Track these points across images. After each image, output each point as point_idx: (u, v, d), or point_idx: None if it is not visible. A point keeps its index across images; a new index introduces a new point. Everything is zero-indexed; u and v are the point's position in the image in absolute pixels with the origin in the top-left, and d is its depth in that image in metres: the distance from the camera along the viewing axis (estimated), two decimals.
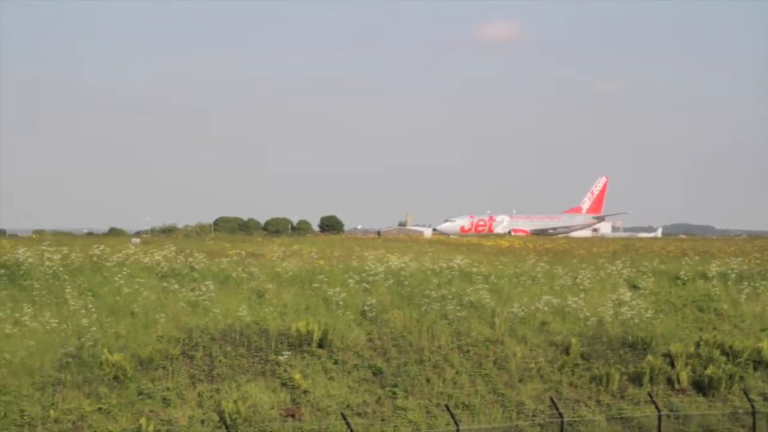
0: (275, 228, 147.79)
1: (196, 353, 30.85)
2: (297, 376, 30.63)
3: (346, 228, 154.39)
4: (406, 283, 37.40)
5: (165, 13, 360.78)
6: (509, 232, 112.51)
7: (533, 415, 31.37)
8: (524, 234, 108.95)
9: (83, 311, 31.41)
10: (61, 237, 54.45)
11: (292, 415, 29.40)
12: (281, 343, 32.03)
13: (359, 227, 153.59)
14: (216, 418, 28.41)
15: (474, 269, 40.35)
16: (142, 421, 27.44)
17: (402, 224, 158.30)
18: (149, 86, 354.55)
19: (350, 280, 36.85)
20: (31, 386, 27.98)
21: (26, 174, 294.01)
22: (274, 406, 29.52)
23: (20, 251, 36.48)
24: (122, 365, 28.99)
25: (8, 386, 27.74)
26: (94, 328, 30.53)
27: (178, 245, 42.78)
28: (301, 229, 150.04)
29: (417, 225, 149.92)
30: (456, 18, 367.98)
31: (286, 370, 30.90)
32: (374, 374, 31.88)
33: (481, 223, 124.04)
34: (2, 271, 34.38)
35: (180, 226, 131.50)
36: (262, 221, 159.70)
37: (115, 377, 28.84)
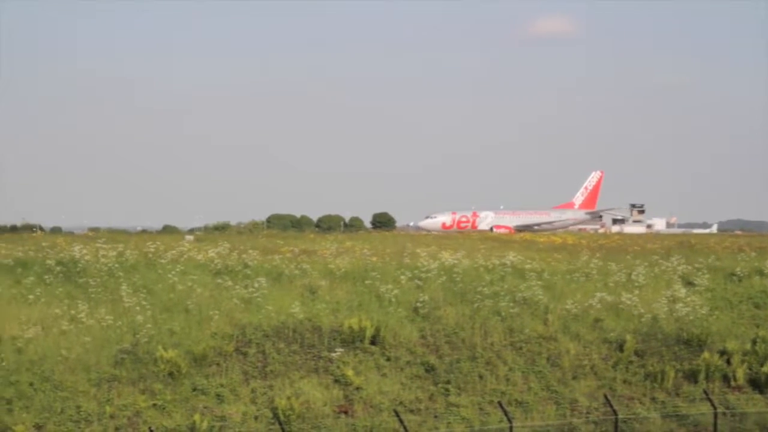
0: (328, 225, 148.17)
1: (250, 350, 31.01)
2: (350, 372, 30.67)
3: (398, 225, 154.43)
4: (459, 279, 37.31)
5: (232, 10, 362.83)
6: (491, 229, 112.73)
7: (587, 413, 31.15)
8: (507, 230, 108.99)
9: (138, 308, 31.70)
10: (115, 234, 55.13)
11: (345, 412, 29.44)
12: (334, 339, 32.10)
13: (411, 224, 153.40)
14: (269, 414, 28.52)
15: (527, 266, 40.18)
16: (197, 417, 27.62)
17: None
18: (205, 85, 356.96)
19: (402, 277, 36.84)
20: (87, 382, 28.29)
21: (82, 172, 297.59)
22: (326, 403, 29.58)
23: (76, 249, 36.98)
24: (176, 362, 29.22)
25: (65, 382, 28.08)
26: (149, 325, 30.81)
27: (231, 242, 43.09)
28: (353, 226, 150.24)
29: None
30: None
31: (338, 367, 30.95)
32: (427, 371, 31.84)
33: (464, 219, 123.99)
34: (59, 268, 34.79)
35: (233, 223, 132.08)
36: (315, 218, 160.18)
37: (170, 373, 29.07)
